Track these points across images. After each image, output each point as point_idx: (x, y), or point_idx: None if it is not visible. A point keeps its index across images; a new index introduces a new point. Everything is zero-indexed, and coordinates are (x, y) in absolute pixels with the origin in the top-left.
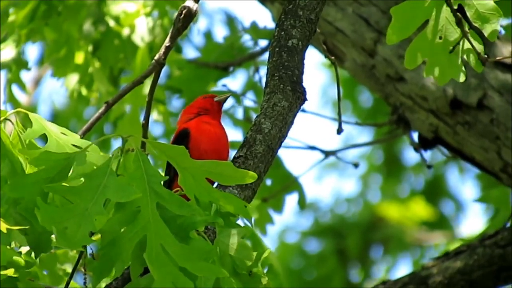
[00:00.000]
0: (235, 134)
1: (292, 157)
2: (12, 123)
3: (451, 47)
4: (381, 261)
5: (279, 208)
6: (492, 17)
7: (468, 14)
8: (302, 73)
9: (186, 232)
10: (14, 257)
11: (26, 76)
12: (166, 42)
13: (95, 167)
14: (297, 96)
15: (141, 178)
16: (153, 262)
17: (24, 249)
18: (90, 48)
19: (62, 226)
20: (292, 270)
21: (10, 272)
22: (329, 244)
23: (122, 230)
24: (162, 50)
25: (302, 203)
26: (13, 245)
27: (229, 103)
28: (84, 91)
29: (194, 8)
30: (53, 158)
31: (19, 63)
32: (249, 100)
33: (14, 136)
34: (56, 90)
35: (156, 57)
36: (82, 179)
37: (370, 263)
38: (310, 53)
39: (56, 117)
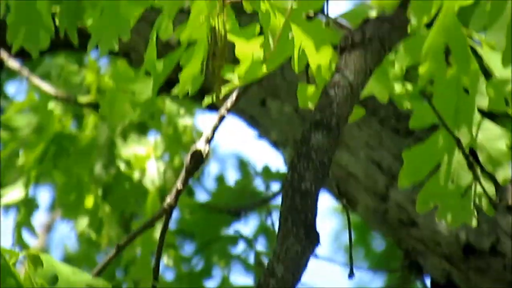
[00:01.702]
0: (246, 279)
1: None
2: (23, 265)
3: (463, 191)
4: None
5: None
6: (504, 161)
7: (480, 157)
8: (315, 216)
9: None
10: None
11: (37, 221)
12: (177, 185)
13: None
14: (310, 240)
15: None
16: None
17: None
18: (100, 191)
19: None
20: None
21: None
22: None
23: None
24: (173, 193)
25: None
26: None
27: (241, 247)
28: (93, 236)
29: (206, 150)
30: None
31: (28, 205)
32: (260, 245)
33: (25, 279)
34: (67, 234)
35: (167, 200)
36: None
37: None
38: (321, 197)
39: (68, 263)
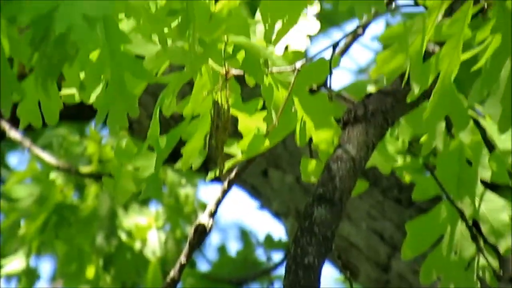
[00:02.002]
0: None
1: None
2: None
3: (466, 263)
4: None
5: None
6: (507, 233)
7: (482, 229)
8: None
9: None
10: None
11: None
12: (181, 260)
13: None
14: None
15: None
16: None
17: None
18: (101, 262)
19: None
20: None
21: None
22: None
23: None
24: (177, 267)
25: None
26: None
27: None
28: None
29: (209, 224)
30: None
31: (30, 275)
32: None
33: None
34: None
35: (171, 274)
36: None
37: None
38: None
39: None
